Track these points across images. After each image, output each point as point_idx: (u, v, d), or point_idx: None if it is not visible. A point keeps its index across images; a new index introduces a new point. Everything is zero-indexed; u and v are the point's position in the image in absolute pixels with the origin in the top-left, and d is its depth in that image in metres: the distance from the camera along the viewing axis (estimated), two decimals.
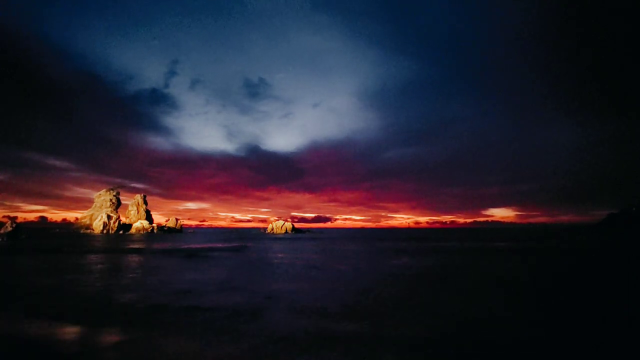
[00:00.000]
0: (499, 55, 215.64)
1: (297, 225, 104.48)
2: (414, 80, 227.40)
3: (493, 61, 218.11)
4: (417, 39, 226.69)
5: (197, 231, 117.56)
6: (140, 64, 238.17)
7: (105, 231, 79.47)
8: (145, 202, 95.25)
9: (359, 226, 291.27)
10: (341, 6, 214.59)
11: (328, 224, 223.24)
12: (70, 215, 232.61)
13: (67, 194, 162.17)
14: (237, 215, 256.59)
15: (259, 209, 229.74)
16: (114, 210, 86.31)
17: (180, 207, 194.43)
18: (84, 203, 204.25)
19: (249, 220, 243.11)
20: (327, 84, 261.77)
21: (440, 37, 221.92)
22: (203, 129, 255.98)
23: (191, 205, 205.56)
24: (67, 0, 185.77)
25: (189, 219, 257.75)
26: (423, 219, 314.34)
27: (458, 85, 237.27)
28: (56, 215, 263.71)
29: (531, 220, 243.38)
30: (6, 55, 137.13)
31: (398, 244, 41.79)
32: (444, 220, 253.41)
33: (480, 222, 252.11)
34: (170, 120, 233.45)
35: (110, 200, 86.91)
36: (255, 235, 73.74)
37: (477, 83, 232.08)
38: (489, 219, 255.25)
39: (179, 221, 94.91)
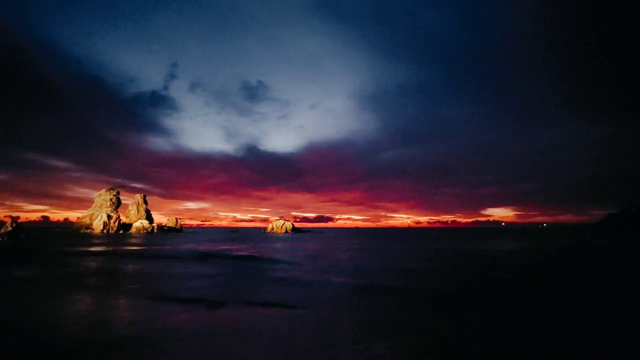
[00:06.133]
0: (498, 56, 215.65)
1: (299, 225, 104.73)
2: (411, 81, 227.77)
3: (492, 61, 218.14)
4: (413, 41, 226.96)
5: (197, 231, 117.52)
6: (141, 67, 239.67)
7: (105, 231, 79.42)
8: (145, 202, 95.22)
9: (359, 226, 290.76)
10: (337, 10, 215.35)
11: (329, 224, 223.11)
12: (72, 215, 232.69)
13: (68, 193, 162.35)
14: (238, 215, 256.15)
15: (259, 209, 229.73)
16: (114, 210, 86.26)
17: (181, 207, 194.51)
18: (85, 203, 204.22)
19: (250, 220, 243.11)
20: (324, 86, 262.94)
21: (438, 38, 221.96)
22: (202, 130, 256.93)
23: (191, 205, 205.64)
24: (69, 5, 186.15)
25: (190, 218, 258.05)
26: (423, 219, 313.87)
27: (456, 86, 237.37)
28: (58, 215, 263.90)
29: (531, 219, 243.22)
30: (7, 57, 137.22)
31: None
32: (444, 220, 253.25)
33: (481, 221, 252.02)
34: (170, 122, 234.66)
35: (111, 200, 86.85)
36: (258, 235, 73.71)
37: (476, 83, 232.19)
38: (489, 218, 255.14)
39: (179, 221, 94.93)
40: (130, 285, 12.42)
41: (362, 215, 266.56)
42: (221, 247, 33.53)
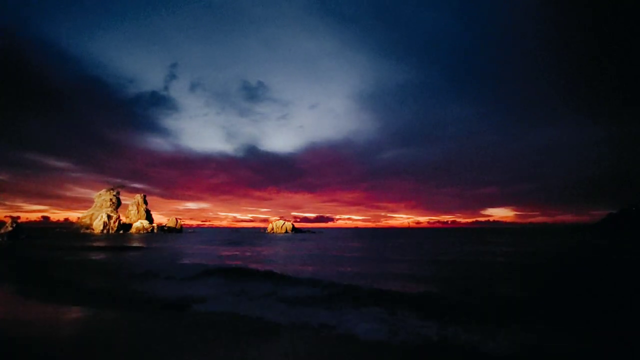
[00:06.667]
0: (498, 56, 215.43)
1: (299, 225, 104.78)
2: (411, 82, 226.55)
3: (492, 61, 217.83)
4: (413, 41, 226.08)
5: (197, 231, 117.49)
6: (141, 67, 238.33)
7: (105, 231, 79.47)
8: (145, 202, 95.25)
9: (358, 226, 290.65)
10: (336, 11, 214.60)
11: (330, 224, 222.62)
12: (72, 215, 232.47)
13: (68, 194, 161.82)
14: (238, 215, 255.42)
15: (259, 209, 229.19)
16: (114, 210, 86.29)
17: (181, 207, 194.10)
18: (85, 203, 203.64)
19: (250, 220, 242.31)
20: (323, 86, 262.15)
21: (438, 38, 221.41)
22: (202, 130, 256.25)
23: (191, 205, 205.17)
24: (68, 4, 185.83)
25: (190, 218, 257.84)
26: (423, 219, 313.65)
27: (456, 86, 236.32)
28: (58, 215, 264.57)
29: (531, 220, 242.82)
30: (8, 57, 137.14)
31: None
32: (444, 220, 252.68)
33: (481, 222, 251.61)
34: (170, 122, 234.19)
35: (111, 200, 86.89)
36: (258, 236, 73.70)
37: (476, 83, 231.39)
38: (489, 218, 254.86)
39: (179, 221, 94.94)
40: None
41: (362, 215, 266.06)
42: (215, 250, 33.51)
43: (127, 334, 6.77)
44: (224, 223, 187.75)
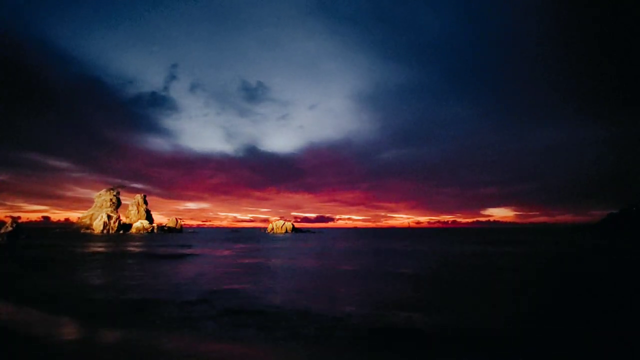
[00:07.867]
0: (498, 56, 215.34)
1: (300, 225, 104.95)
2: (410, 82, 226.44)
3: (492, 61, 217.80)
4: (413, 41, 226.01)
5: (198, 231, 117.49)
6: (141, 68, 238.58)
7: (105, 231, 79.43)
8: (146, 202, 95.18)
9: (358, 226, 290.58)
10: (335, 12, 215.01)
11: (330, 224, 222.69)
12: (73, 215, 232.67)
13: (68, 194, 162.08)
14: (238, 215, 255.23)
15: (259, 209, 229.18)
16: (114, 210, 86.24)
17: (181, 207, 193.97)
18: (85, 203, 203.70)
19: (250, 220, 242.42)
20: (323, 87, 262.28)
21: (438, 38, 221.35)
22: (202, 130, 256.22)
23: (191, 205, 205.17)
24: (69, 6, 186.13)
25: (190, 218, 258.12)
26: (423, 219, 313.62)
27: (456, 86, 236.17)
28: (59, 215, 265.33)
29: (531, 220, 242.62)
30: (8, 58, 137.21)
31: None
32: (444, 220, 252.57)
33: (481, 222, 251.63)
34: (170, 122, 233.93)
35: (111, 200, 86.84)
36: (258, 236, 73.68)
37: (476, 84, 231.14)
38: (489, 218, 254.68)
39: (179, 221, 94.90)
40: None
41: (362, 215, 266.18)
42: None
43: None
44: (224, 223, 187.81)
